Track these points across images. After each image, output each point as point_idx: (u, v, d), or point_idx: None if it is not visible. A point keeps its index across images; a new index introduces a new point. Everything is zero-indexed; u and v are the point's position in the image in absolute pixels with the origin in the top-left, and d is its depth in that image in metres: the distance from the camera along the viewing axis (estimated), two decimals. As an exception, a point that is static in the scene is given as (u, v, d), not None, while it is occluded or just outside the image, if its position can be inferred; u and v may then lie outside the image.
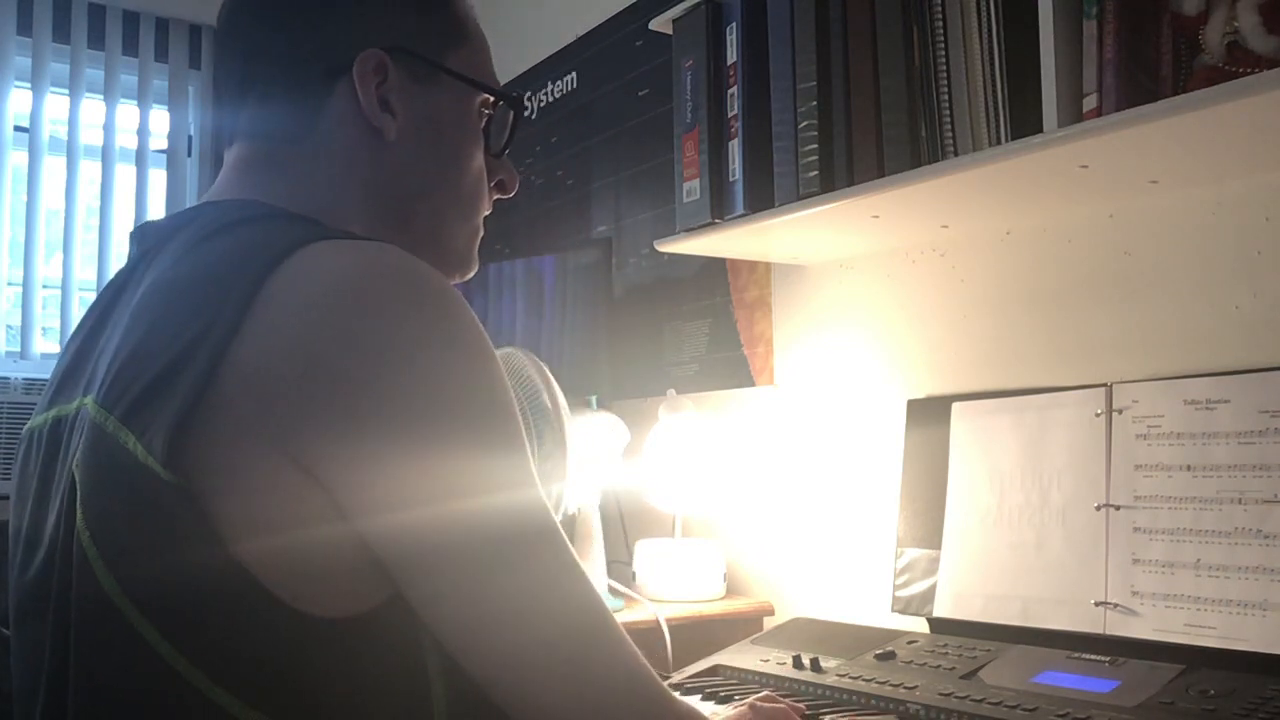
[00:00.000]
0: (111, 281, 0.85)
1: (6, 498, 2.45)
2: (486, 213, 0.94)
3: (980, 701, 1.10)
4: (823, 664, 1.28)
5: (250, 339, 0.66)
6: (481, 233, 0.93)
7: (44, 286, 2.63)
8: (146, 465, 0.65)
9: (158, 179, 2.78)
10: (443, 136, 0.87)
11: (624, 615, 1.66)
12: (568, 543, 0.70)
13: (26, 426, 0.84)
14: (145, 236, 0.84)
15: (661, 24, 1.62)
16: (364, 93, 0.82)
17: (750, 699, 1.01)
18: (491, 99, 0.91)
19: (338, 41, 0.83)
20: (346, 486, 0.66)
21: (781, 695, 1.17)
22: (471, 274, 0.93)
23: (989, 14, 1.17)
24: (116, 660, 0.66)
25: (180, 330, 0.68)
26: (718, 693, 1.27)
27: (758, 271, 1.86)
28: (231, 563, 0.64)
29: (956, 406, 1.44)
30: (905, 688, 1.17)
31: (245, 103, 0.85)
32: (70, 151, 2.65)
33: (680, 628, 1.64)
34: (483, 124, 0.91)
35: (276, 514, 0.65)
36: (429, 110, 0.86)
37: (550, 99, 2.48)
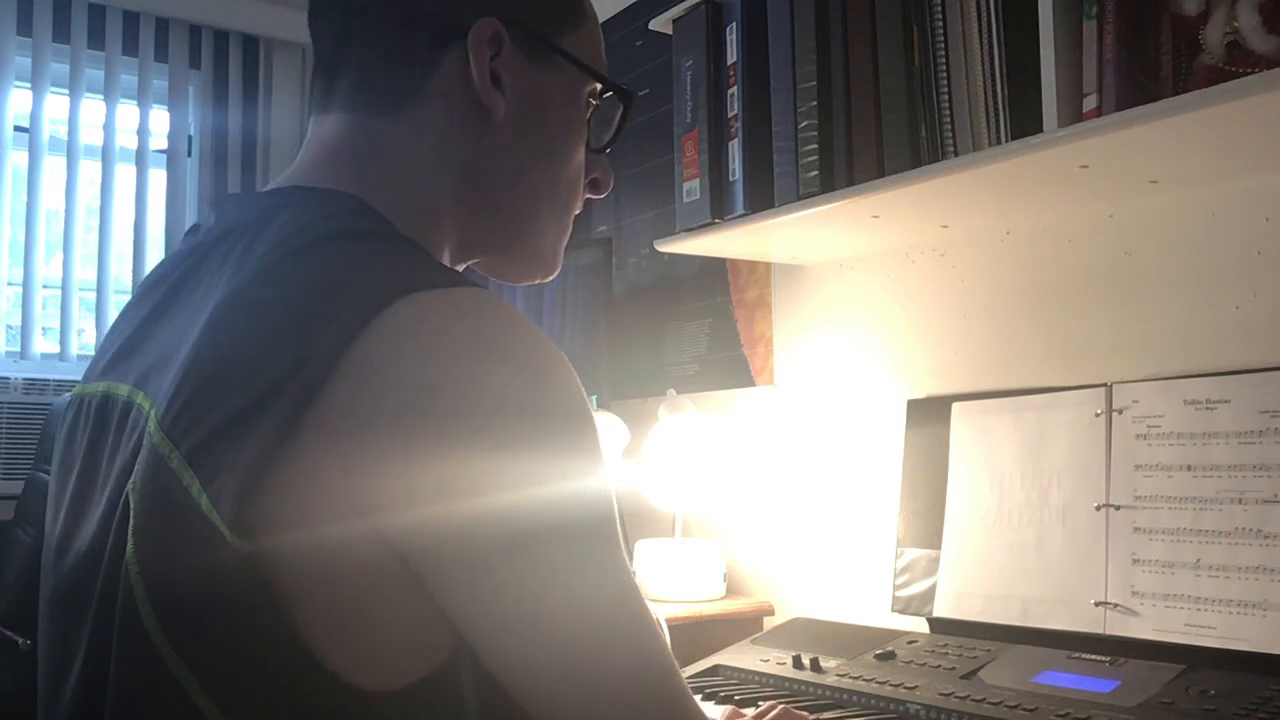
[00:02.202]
0: (186, 252, 0.78)
1: (7, 498, 2.43)
2: (577, 211, 0.88)
3: (980, 701, 1.10)
4: (823, 664, 1.28)
5: (339, 394, 0.61)
6: (569, 233, 0.88)
7: (44, 286, 2.62)
8: (209, 518, 0.61)
9: (158, 179, 2.78)
10: (549, 122, 0.81)
11: (624, 615, 1.65)
12: (621, 546, 0.67)
13: (77, 390, 0.79)
14: (226, 212, 0.77)
15: (661, 24, 1.62)
16: (477, 64, 0.76)
17: (765, 707, 1.00)
18: (599, 89, 0.84)
19: (453, 6, 0.77)
20: (417, 530, 0.62)
21: (781, 695, 1.18)
22: (554, 276, 0.88)
23: (989, 14, 1.17)
24: (150, 705, 0.63)
25: (263, 367, 0.63)
26: (718, 693, 1.27)
27: (758, 271, 1.86)
28: (286, 627, 0.60)
29: (956, 406, 1.44)
30: (905, 688, 1.17)
31: (341, 69, 0.78)
32: (70, 151, 2.65)
33: (680, 628, 1.64)
34: (588, 115, 0.85)
35: (342, 582, 0.62)
36: (538, 92, 0.80)
37: (550, 99, 2.47)
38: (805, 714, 1.01)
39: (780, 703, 1.07)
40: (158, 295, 0.77)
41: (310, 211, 0.72)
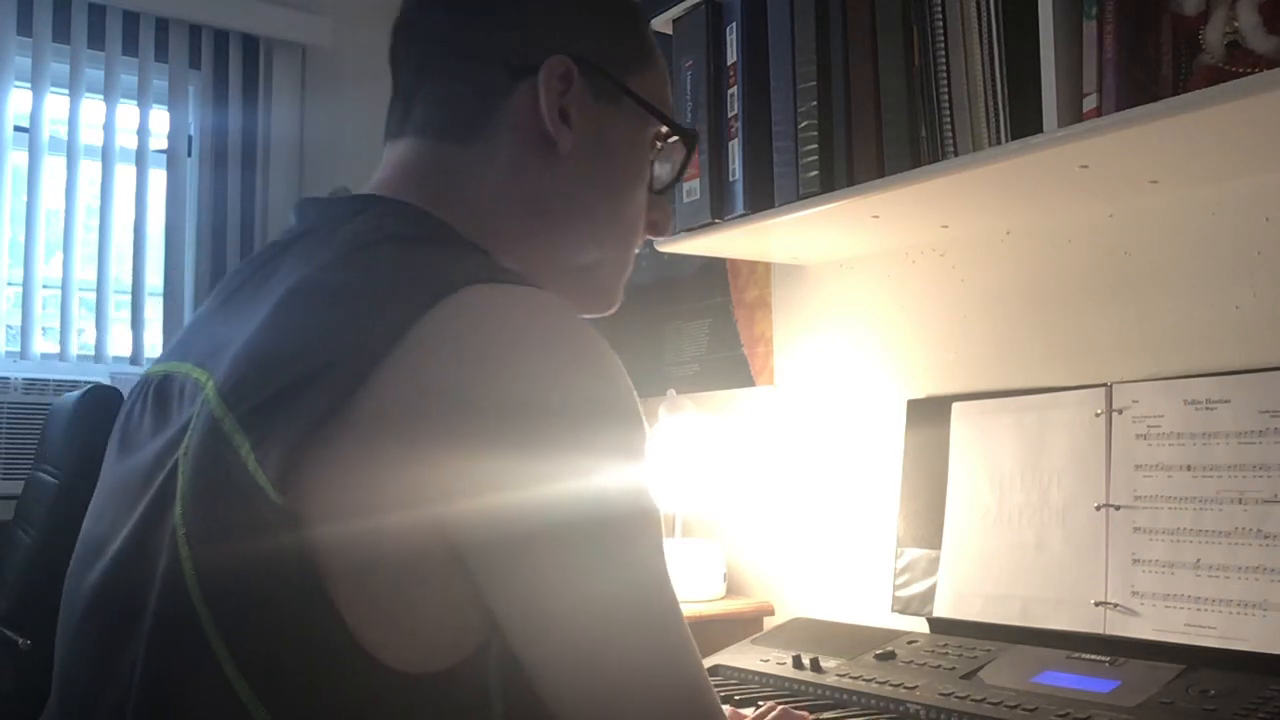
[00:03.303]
0: (263, 252, 0.81)
1: (7, 498, 2.43)
2: (637, 250, 0.90)
3: (980, 701, 1.10)
4: (823, 664, 1.28)
5: (395, 371, 0.63)
6: (630, 269, 0.90)
7: (44, 286, 2.62)
8: (255, 479, 0.62)
9: (158, 179, 2.78)
10: (613, 160, 0.84)
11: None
12: (659, 544, 0.68)
13: (145, 371, 0.82)
14: (306, 214, 0.81)
15: (661, 24, 1.62)
16: (547, 98, 0.79)
17: (764, 708, 1.00)
18: (664, 131, 0.87)
19: (527, 42, 0.80)
20: (464, 515, 0.63)
21: (781, 695, 1.18)
22: (613, 310, 0.90)
23: (989, 14, 1.17)
24: (178, 661, 0.64)
25: (323, 341, 0.65)
26: (718, 693, 1.27)
27: (758, 271, 1.86)
28: (321, 597, 0.61)
29: (956, 406, 1.44)
30: (905, 688, 1.17)
31: (418, 95, 0.82)
32: (70, 151, 2.65)
33: (680, 628, 1.64)
34: (651, 156, 0.87)
35: (381, 552, 0.62)
36: (605, 130, 0.83)
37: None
38: (805, 714, 1.01)
39: (780, 703, 1.07)
40: (230, 289, 0.81)
41: (385, 216, 0.75)
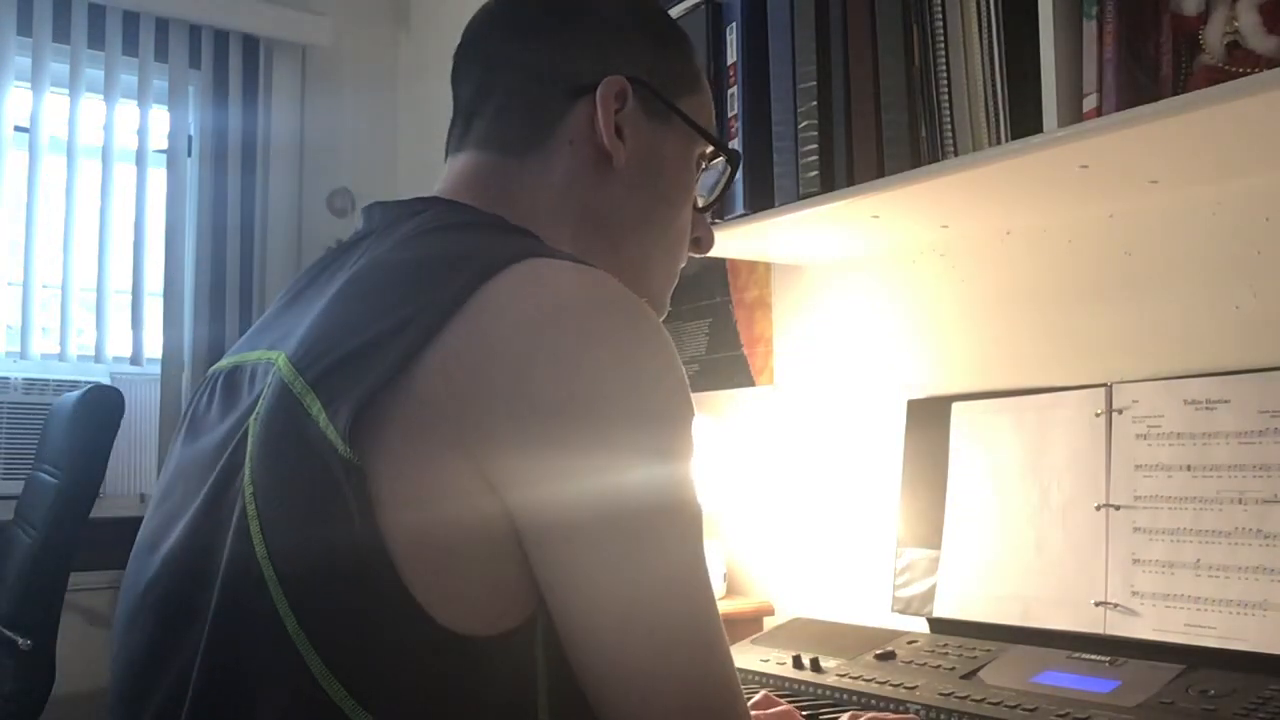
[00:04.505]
0: (328, 253, 0.86)
1: (7, 498, 2.43)
2: (682, 265, 0.95)
3: (980, 701, 1.10)
4: (823, 664, 1.28)
5: (455, 338, 0.66)
6: (675, 282, 0.95)
7: (44, 286, 2.62)
8: (325, 435, 0.65)
9: (158, 179, 2.78)
10: (663, 176, 0.89)
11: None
12: (699, 540, 0.70)
13: (211, 369, 0.85)
14: (373, 216, 0.85)
15: (661, 24, 1.62)
16: (604, 115, 0.84)
17: (751, 700, 1.01)
18: (709, 152, 0.93)
19: (585, 63, 0.85)
20: (511, 474, 0.65)
21: (781, 695, 1.18)
22: (661, 319, 0.94)
23: (989, 14, 1.17)
24: (243, 620, 0.66)
25: (389, 311, 0.68)
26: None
27: (758, 271, 1.86)
28: (380, 550, 0.63)
29: (956, 406, 1.44)
30: (905, 688, 1.17)
31: (478, 113, 0.87)
32: (70, 151, 2.65)
33: (680, 628, 1.64)
34: (697, 175, 0.93)
35: (440, 511, 0.65)
36: (656, 147, 0.88)
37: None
38: (785, 705, 1.01)
39: (787, 701, 1.07)
40: (298, 288, 0.84)
41: (447, 213, 0.80)
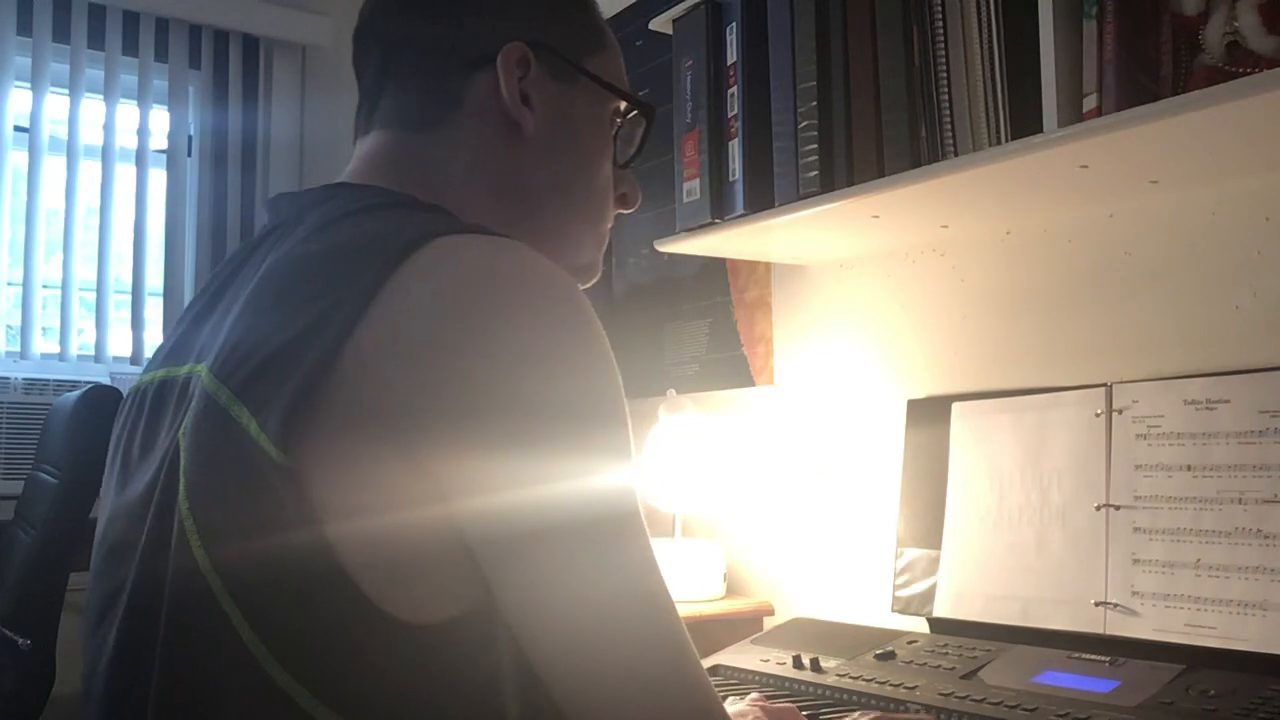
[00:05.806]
0: (239, 250, 0.84)
1: (7, 498, 2.42)
2: (609, 225, 0.93)
3: (980, 701, 1.10)
4: (823, 664, 1.28)
5: (376, 326, 0.64)
6: (606, 241, 0.93)
7: (44, 286, 2.62)
8: (258, 444, 0.64)
9: (158, 179, 2.78)
10: (576, 138, 0.88)
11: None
12: (649, 542, 0.69)
13: (133, 385, 0.83)
14: (279, 208, 0.83)
15: (661, 24, 1.62)
16: (506, 84, 0.83)
17: (747, 699, 1.01)
18: (623, 107, 0.91)
19: (482, 34, 0.84)
20: (454, 478, 0.64)
21: (781, 695, 1.18)
22: (594, 280, 0.93)
23: (989, 14, 1.17)
24: (197, 636, 0.65)
25: (304, 308, 0.67)
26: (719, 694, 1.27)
27: (758, 271, 1.86)
28: (326, 550, 0.63)
29: (956, 406, 1.44)
30: (905, 688, 1.17)
31: (382, 93, 0.86)
32: (70, 151, 2.65)
33: (680, 628, 1.64)
34: (613, 132, 0.91)
35: (378, 503, 0.64)
36: (565, 110, 0.87)
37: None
38: (787, 704, 1.01)
39: (790, 700, 1.07)
40: (213, 289, 0.82)
41: (354, 198, 0.78)
